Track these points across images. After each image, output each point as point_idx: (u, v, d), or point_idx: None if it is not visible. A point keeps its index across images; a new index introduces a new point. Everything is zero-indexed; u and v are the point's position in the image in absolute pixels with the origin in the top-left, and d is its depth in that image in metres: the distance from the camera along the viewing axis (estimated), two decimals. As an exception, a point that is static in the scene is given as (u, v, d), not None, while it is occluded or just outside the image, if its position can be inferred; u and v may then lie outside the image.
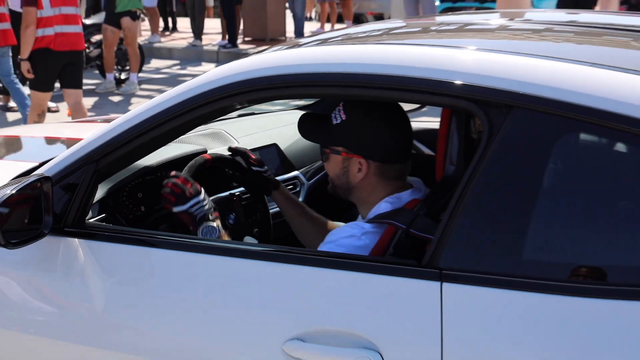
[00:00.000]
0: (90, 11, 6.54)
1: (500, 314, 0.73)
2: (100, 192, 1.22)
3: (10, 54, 3.90)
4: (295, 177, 1.64)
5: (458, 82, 0.78)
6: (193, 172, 1.17)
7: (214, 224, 1.05)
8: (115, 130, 1.00)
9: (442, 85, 0.79)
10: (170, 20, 8.44)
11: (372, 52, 0.97)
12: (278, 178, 1.47)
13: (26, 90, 4.04)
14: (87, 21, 5.73)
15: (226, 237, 1.07)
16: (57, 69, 3.46)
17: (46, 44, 3.30)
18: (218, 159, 1.30)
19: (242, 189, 1.42)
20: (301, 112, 1.76)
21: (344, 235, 0.97)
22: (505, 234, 0.74)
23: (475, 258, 0.76)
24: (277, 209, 1.37)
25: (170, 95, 0.99)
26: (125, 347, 0.96)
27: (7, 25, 3.74)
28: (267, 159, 1.55)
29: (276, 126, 1.81)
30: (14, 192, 0.93)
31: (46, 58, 3.33)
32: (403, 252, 0.93)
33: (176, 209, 1.07)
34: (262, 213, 1.33)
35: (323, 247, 0.98)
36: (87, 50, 5.37)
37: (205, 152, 1.43)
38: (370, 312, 0.79)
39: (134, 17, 5.15)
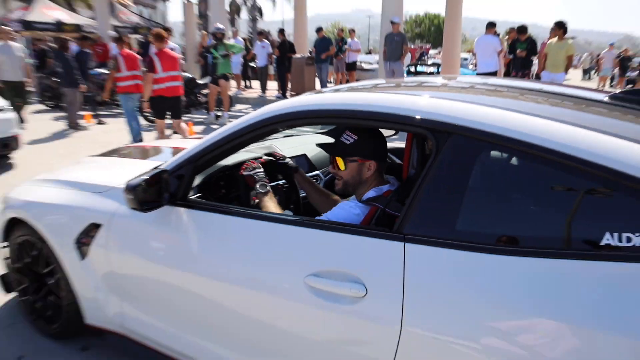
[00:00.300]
0: (203, 74, 10.16)
1: (441, 264, 1.14)
2: (198, 180, 1.91)
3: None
4: (316, 175, 2.47)
5: (418, 116, 1.23)
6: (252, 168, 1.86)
7: (265, 183, 1.72)
8: (206, 143, 1.58)
9: (407, 118, 1.24)
10: (247, 81, 13.10)
11: (364, 97, 1.43)
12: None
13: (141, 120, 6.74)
14: (200, 81, 9.07)
15: (271, 193, 1.71)
16: (166, 107, 5.67)
17: (159, 93, 5.51)
18: (269, 162, 1.99)
19: (283, 181, 2.12)
20: (321, 135, 2.90)
21: (347, 207, 1.47)
22: (445, 213, 1.16)
23: (426, 228, 1.18)
24: (305, 194, 2.13)
25: (239, 122, 1.54)
26: (208, 274, 1.51)
27: (140, 81, 6.16)
28: (298, 163, 2.32)
29: (306, 143, 2.66)
30: (147, 177, 1.52)
31: (161, 101, 5.59)
32: (380, 223, 1.40)
33: (245, 173, 1.78)
34: (295, 196, 2.01)
35: (334, 211, 1.47)
36: (199, 97, 8.80)
37: (260, 157, 2.08)
38: (359, 259, 1.23)
39: (227, 78, 7.87)
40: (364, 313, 1.20)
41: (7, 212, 2.18)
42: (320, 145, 1.60)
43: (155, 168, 1.67)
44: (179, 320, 1.65)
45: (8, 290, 2.33)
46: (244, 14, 33.60)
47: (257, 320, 1.42)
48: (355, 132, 1.51)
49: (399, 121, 1.26)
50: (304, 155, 2.55)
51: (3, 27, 7.24)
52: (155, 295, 1.71)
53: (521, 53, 8.01)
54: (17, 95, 6.88)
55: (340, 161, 1.53)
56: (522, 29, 8.20)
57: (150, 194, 1.52)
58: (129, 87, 6.09)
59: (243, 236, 1.45)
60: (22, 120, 6.82)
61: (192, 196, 1.81)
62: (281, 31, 10.88)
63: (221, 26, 8.19)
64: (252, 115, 1.51)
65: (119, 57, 6.14)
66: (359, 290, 1.19)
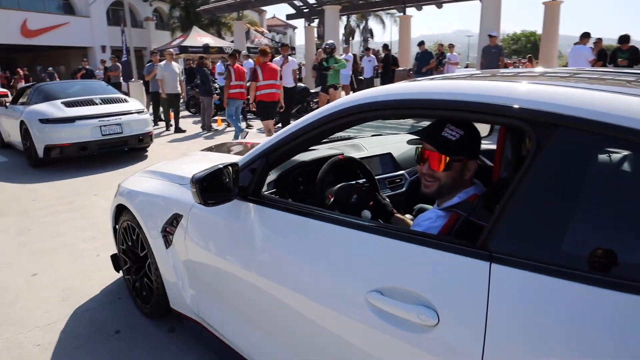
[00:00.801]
0: (316, 85, 10.55)
1: (539, 296, 0.86)
2: (274, 175, 1.87)
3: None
4: (401, 175, 2.35)
5: (515, 105, 0.94)
6: (331, 166, 1.75)
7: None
8: (282, 135, 1.49)
9: (500, 108, 0.97)
10: (355, 91, 13.29)
11: (462, 85, 1.17)
12: (390, 175, 2.32)
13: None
14: (313, 90, 9.75)
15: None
16: (269, 109, 6.63)
17: (260, 98, 6.47)
18: (349, 159, 1.84)
19: (364, 180, 1.92)
20: (407, 135, 2.61)
21: (424, 218, 1.23)
22: (546, 228, 0.87)
23: (520, 245, 0.90)
24: (390, 192, 2.18)
25: (320, 111, 1.40)
26: (270, 275, 1.41)
27: (243, 90, 7.55)
28: (383, 162, 2.35)
29: (391, 142, 2.55)
30: (212, 171, 1.48)
31: (263, 105, 6.56)
32: (462, 234, 1.12)
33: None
34: (375, 195, 1.80)
35: (413, 227, 1.27)
36: (312, 104, 9.47)
37: (342, 154, 1.94)
38: (431, 279, 1.01)
39: (335, 88, 8.37)
40: (434, 347, 0.97)
41: (116, 199, 2.41)
42: (423, 139, 1.33)
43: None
44: (242, 316, 1.61)
45: (117, 269, 2.59)
46: (357, 37, 37.60)
47: (320, 331, 1.27)
48: (460, 126, 1.26)
49: (489, 111, 0.99)
50: (389, 154, 2.42)
51: (168, 50, 9.53)
52: (220, 289, 1.70)
53: (622, 62, 8.17)
54: (173, 104, 8.71)
55: (442, 161, 1.27)
56: (624, 39, 8.42)
57: (216, 187, 1.48)
58: (235, 94, 7.34)
59: (308, 238, 1.33)
60: (177, 126, 8.66)
61: (267, 192, 1.76)
62: (385, 46, 12.08)
63: (331, 41, 8.85)
64: (335, 103, 1.36)
65: (231, 69, 7.35)
66: (428, 317, 0.97)
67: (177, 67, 9.00)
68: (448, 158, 1.26)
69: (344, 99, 1.35)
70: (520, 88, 1.02)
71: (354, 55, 13.97)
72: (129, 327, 2.27)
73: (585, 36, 8.65)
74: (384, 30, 45.91)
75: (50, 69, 17.35)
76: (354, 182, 2.10)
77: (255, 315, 1.54)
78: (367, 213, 1.77)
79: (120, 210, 2.41)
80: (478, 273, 0.93)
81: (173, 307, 2.06)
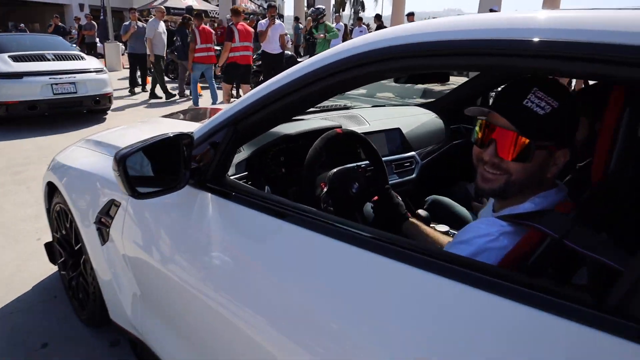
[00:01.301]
0: (305, 54, 9.61)
1: None
2: (246, 153, 1.36)
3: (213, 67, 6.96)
4: (411, 157, 1.90)
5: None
6: (325, 141, 1.22)
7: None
8: (254, 97, 0.99)
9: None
10: None
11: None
12: (398, 157, 1.83)
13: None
14: (300, 59, 8.57)
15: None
16: (237, 73, 6.13)
17: (234, 60, 5.99)
18: (348, 134, 1.32)
19: (367, 162, 1.44)
20: (424, 109, 2.20)
21: (479, 234, 0.76)
22: None
23: None
24: (397, 179, 1.75)
25: (309, 62, 0.90)
26: (230, 294, 0.95)
27: (213, 53, 6.82)
28: (390, 138, 1.86)
29: (398, 115, 2.07)
30: (145, 144, 0.98)
31: (235, 67, 6.05)
32: (549, 266, 0.69)
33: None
34: (382, 183, 1.32)
35: (453, 248, 0.79)
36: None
37: (340, 127, 1.44)
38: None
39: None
40: None
41: (47, 174, 1.88)
42: (494, 109, 0.82)
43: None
44: (189, 342, 1.13)
45: (52, 260, 2.08)
46: (348, 9, 37.52)
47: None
48: (554, 92, 0.77)
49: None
50: (398, 130, 1.92)
51: (159, 7, 8.48)
52: (165, 304, 1.22)
53: None
54: (157, 67, 7.81)
55: (518, 145, 0.79)
56: None
57: (155, 169, 0.98)
58: (201, 58, 6.68)
59: (291, 254, 0.85)
60: (152, 91, 7.81)
61: (234, 176, 1.26)
62: (377, 16, 11.24)
63: (320, 7, 8.25)
64: (341, 47, 0.86)
65: (196, 30, 6.61)
66: None
67: (163, 26, 8.20)
68: (529, 141, 0.77)
69: (354, 42, 0.85)
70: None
71: (345, 25, 13.35)
72: (61, 338, 1.79)
73: None
74: (376, 4, 44.29)
75: (22, 25, 16.13)
76: (354, 165, 1.63)
77: (208, 342, 1.07)
78: (369, 208, 1.32)
79: (53, 189, 1.88)
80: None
81: (112, 318, 1.58)
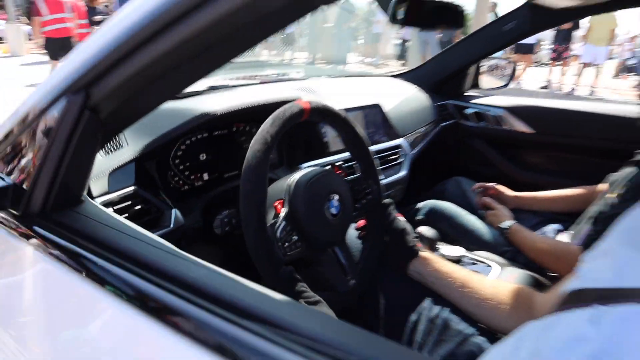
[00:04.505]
0: None
1: None
2: (132, 150, 0.75)
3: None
4: (398, 146, 1.38)
5: None
6: (282, 124, 0.66)
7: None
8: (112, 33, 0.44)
9: None
10: None
11: None
12: (381, 146, 1.31)
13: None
14: None
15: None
16: (57, 47, 5.48)
17: (48, 35, 5.45)
18: (320, 110, 0.75)
19: (346, 155, 1.07)
20: (398, 79, 1.71)
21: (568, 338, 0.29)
22: None
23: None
24: (383, 180, 1.22)
25: None
26: None
27: (68, 24, 5.67)
28: (369, 119, 1.33)
29: (376, 88, 1.55)
30: None
31: (52, 42, 5.51)
32: None
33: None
34: (375, 194, 0.80)
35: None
36: None
37: (302, 100, 0.78)
38: None
39: None
40: None
41: None
42: None
43: None
44: None
45: None
46: None
47: None
48: None
49: None
50: (378, 107, 1.38)
51: None
52: None
53: None
54: None
55: None
56: None
57: None
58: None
59: None
60: None
61: (107, 195, 0.68)
62: None
63: None
64: None
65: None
66: None
67: None
68: None
69: None
70: None
71: None
72: None
73: None
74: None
75: None
76: (326, 163, 1.04)
77: None
78: (355, 237, 0.81)
79: None
80: None
81: None
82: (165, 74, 0.44)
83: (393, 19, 0.78)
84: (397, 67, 8.98)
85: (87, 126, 0.49)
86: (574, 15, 1.36)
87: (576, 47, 7.93)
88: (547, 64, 9.07)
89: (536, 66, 9.84)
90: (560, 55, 7.46)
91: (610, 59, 9.19)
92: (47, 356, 0.48)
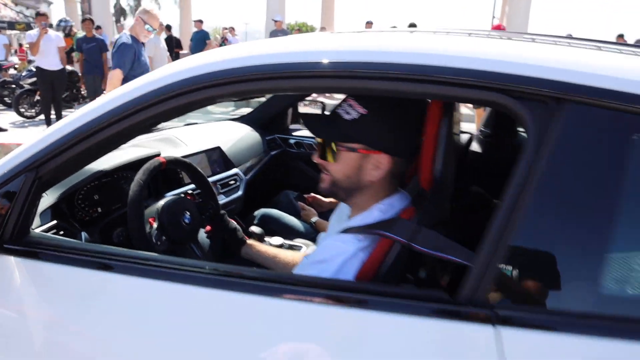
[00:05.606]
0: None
1: None
2: (51, 198, 1.11)
3: None
4: (235, 174, 1.86)
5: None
6: (148, 174, 1.12)
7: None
8: (59, 133, 0.81)
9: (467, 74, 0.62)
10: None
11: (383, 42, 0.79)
12: (221, 176, 1.77)
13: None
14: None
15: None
16: None
17: None
18: (173, 161, 1.24)
19: (192, 186, 1.50)
20: (238, 123, 2.20)
21: (334, 251, 0.81)
22: (581, 261, 0.57)
23: (540, 294, 0.58)
24: (224, 199, 1.70)
25: (120, 93, 0.79)
26: None
27: None
28: (212, 159, 1.81)
29: (214, 132, 2.02)
30: None
31: None
32: (401, 272, 0.79)
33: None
34: (214, 209, 1.26)
35: (311, 268, 0.82)
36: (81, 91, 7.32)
37: (159, 155, 1.37)
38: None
39: None
40: None
41: None
42: (303, 116, 0.93)
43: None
44: None
45: None
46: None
47: None
48: (365, 101, 0.84)
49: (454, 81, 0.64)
50: (218, 149, 1.88)
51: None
52: None
53: None
54: None
55: (320, 146, 0.89)
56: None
57: None
58: None
59: (124, 312, 0.74)
60: None
61: (40, 227, 1.03)
62: (167, 27, 10.45)
63: (67, 19, 7.69)
64: (160, 74, 0.79)
65: None
66: None
67: None
68: (323, 141, 0.87)
69: (176, 67, 0.78)
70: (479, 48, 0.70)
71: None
72: None
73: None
74: (160, 9, 42.37)
75: None
76: (180, 192, 1.50)
77: None
78: (205, 237, 1.27)
79: None
80: (482, 346, 0.56)
81: None
82: (96, 154, 0.84)
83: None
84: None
85: (34, 190, 0.80)
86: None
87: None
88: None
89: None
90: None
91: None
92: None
